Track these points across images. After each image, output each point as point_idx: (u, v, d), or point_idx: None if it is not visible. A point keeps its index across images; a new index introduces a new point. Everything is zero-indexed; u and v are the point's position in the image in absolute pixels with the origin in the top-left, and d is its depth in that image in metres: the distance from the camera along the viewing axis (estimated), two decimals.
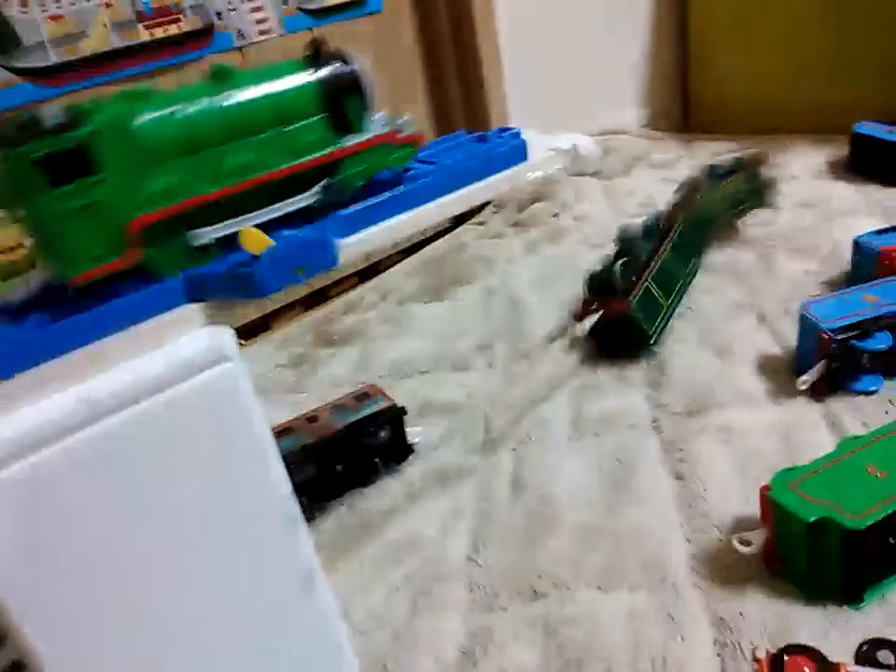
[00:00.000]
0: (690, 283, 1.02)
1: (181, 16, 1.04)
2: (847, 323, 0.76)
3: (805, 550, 0.57)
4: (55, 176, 0.34)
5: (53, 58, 0.95)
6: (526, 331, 1.02)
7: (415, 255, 1.37)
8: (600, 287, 0.94)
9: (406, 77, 1.37)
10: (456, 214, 0.47)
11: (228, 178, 0.39)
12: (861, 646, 0.48)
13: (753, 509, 0.62)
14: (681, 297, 0.99)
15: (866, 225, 1.04)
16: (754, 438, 0.74)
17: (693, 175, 1.17)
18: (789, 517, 0.57)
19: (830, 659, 0.46)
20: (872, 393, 0.77)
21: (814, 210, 1.19)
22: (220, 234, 0.39)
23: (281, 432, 0.76)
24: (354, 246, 0.42)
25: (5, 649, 0.37)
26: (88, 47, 0.97)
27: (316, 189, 0.42)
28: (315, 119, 0.42)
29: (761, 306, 0.96)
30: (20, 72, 0.93)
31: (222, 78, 0.40)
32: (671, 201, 1.10)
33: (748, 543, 0.59)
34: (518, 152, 0.51)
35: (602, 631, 0.58)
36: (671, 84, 1.78)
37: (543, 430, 0.82)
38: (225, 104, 0.39)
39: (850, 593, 0.56)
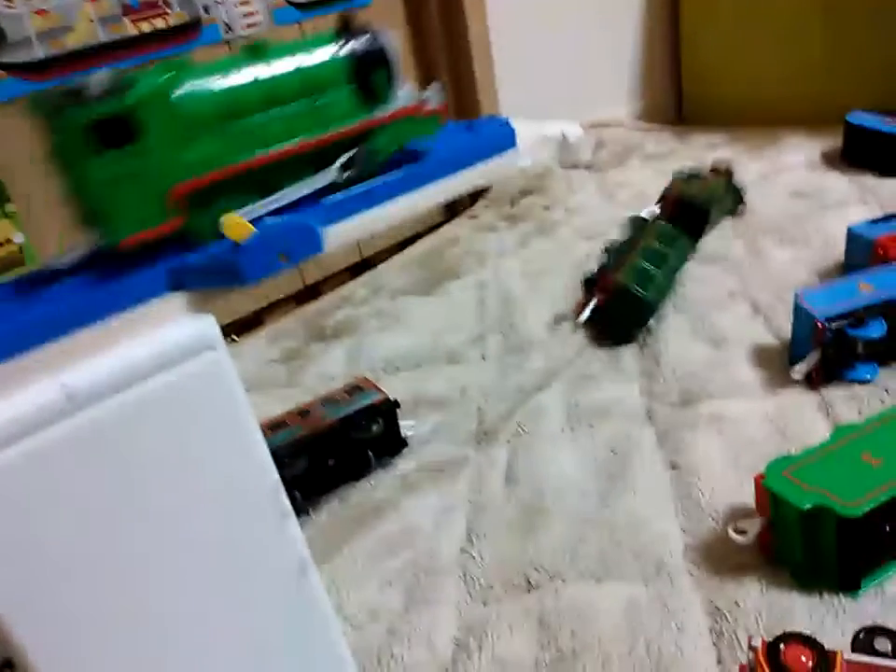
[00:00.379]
0: (683, 259, 1.02)
1: (168, 9, 1.03)
2: (842, 311, 0.76)
3: (800, 538, 0.56)
4: (104, 141, 0.35)
5: (39, 52, 0.94)
6: (519, 324, 1.02)
7: (407, 249, 1.36)
8: (594, 282, 0.95)
9: None
10: (445, 201, 0.47)
11: (262, 148, 0.40)
12: (857, 633, 0.47)
13: (748, 498, 0.62)
14: (676, 270, 0.99)
15: (860, 215, 1.04)
16: (749, 427, 0.74)
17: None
18: (783, 505, 0.56)
19: (826, 647, 0.45)
20: (867, 382, 0.76)
21: (808, 200, 1.19)
22: (264, 212, 0.40)
23: (273, 426, 0.76)
24: (340, 234, 0.41)
25: None
26: (74, 41, 0.96)
27: (344, 158, 0.43)
28: (344, 90, 0.43)
29: (755, 296, 0.96)
30: (6, 67, 0.93)
31: (256, 52, 0.41)
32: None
33: (743, 532, 0.59)
34: (506, 140, 0.50)
35: (597, 622, 0.58)
36: (664, 76, 1.78)
37: (537, 422, 0.82)
38: (260, 76, 0.40)
39: (846, 581, 0.56)
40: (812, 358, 0.76)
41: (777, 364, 0.82)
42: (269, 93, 0.40)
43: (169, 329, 0.37)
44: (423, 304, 1.14)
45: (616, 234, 1.05)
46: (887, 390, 0.75)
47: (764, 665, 0.45)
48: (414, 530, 0.71)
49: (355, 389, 0.81)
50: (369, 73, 0.44)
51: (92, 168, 0.36)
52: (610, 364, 0.89)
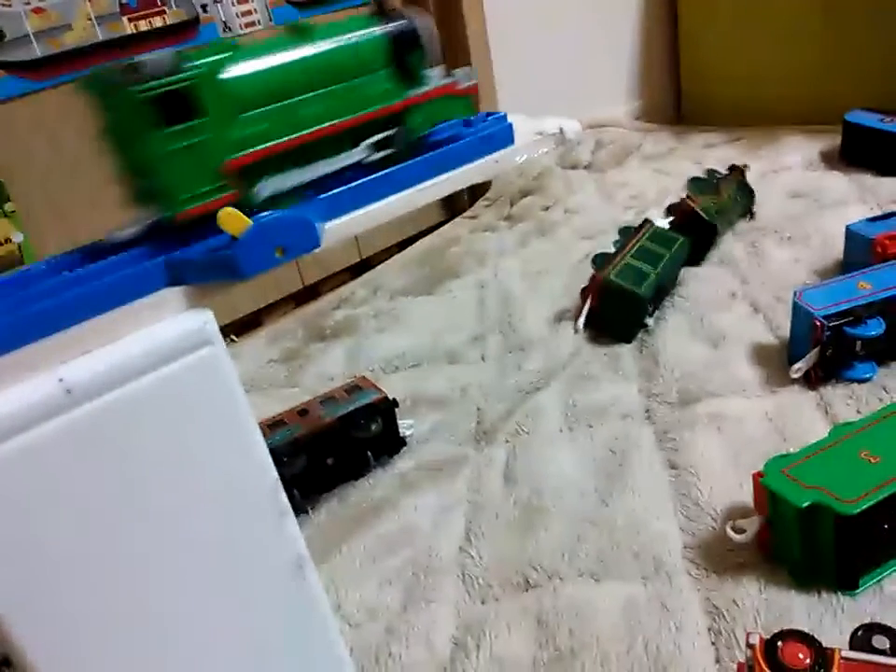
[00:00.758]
0: (680, 259, 1.01)
1: (166, 8, 1.03)
2: (841, 310, 0.75)
3: (799, 536, 0.56)
4: (165, 118, 0.36)
5: (38, 51, 0.94)
6: (519, 324, 1.02)
7: (407, 249, 1.36)
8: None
9: None
10: (442, 196, 0.47)
11: (305, 127, 0.42)
12: (855, 631, 0.47)
13: (747, 497, 0.62)
14: (672, 269, 0.98)
15: (859, 214, 1.04)
16: (748, 426, 0.74)
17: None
18: (781, 503, 0.56)
19: (824, 645, 0.45)
20: (866, 380, 0.76)
21: (806, 199, 1.19)
22: (290, 185, 0.41)
23: (272, 425, 0.75)
24: (338, 229, 0.41)
25: None
26: (72, 39, 0.96)
27: (379, 137, 0.45)
28: (382, 71, 0.45)
29: (754, 295, 0.96)
30: (4, 65, 0.92)
31: (300, 33, 0.43)
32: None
33: (741, 531, 0.59)
34: (504, 135, 0.50)
35: (595, 621, 0.58)
36: (663, 76, 1.78)
37: (536, 422, 0.82)
38: (303, 56, 0.42)
39: (844, 579, 0.56)
40: (811, 357, 0.76)
41: (776, 363, 0.82)
42: (313, 74, 0.42)
43: (167, 324, 0.37)
44: (422, 304, 1.14)
45: (615, 235, 1.05)
46: (885, 388, 0.75)
47: (762, 663, 0.44)
48: (413, 529, 0.71)
49: (354, 388, 0.81)
50: (405, 54, 0.46)
51: (153, 143, 0.37)
52: (609, 364, 0.89)
